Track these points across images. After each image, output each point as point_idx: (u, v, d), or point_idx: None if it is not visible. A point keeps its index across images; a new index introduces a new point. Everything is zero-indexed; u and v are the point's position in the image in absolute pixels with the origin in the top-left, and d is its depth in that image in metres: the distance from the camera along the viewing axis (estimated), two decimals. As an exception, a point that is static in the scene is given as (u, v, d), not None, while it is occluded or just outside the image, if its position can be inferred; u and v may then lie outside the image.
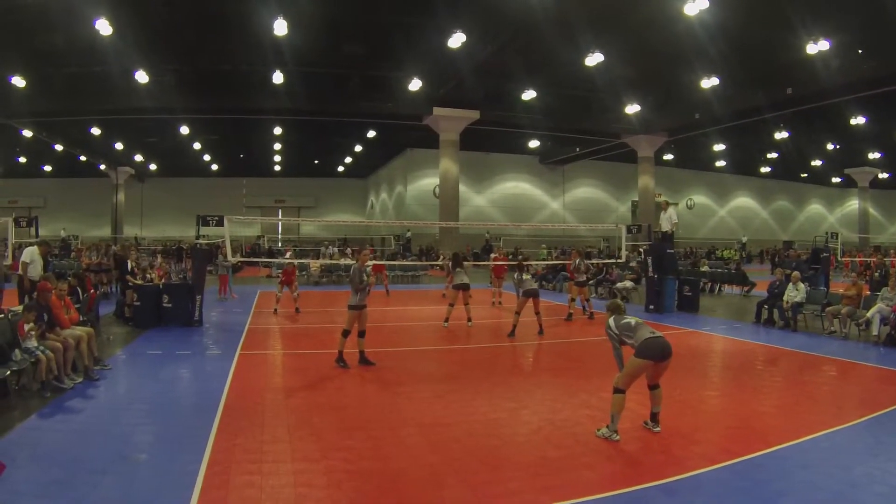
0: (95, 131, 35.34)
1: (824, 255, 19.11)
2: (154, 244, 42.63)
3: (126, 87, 26.64)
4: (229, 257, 16.92)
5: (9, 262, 16.42)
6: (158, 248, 34.34)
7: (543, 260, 30.72)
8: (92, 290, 13.62)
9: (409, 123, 33.95)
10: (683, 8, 18.88)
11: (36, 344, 8.19)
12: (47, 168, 49.15)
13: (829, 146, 42.49)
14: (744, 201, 58.44)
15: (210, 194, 51.05)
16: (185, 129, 36.71)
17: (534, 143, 43.17)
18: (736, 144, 42.80)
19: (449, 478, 5.56)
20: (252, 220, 40.66)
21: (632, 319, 6.89)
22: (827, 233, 33.32)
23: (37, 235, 22.81)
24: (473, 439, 6.54)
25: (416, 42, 23.62)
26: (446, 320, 14.65)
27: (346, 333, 10.05)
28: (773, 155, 47.17)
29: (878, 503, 5.11)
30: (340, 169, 55.15)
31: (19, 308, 9.02)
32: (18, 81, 24.80)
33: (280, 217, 56.62)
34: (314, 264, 27.19)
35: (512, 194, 48.12)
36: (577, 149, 43.10)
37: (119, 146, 41.19)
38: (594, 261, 23.47)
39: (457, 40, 21.66)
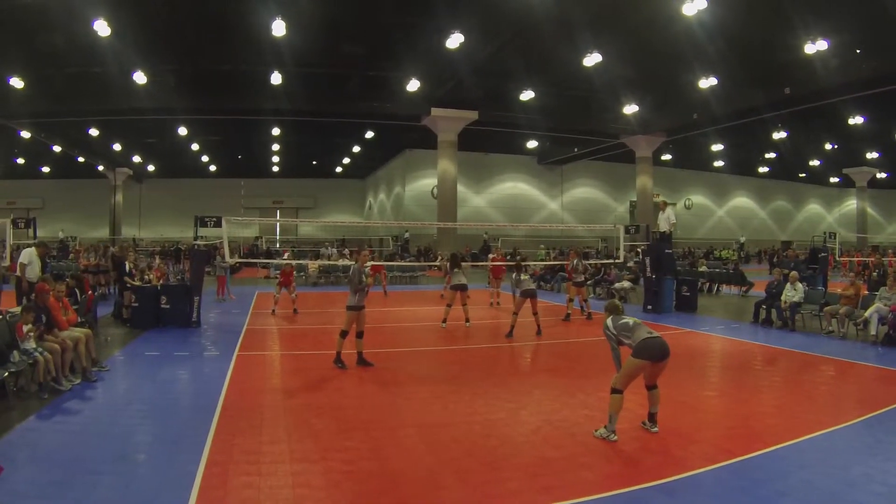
0: (94, 132, 35.28)
1: (822, 254, 19.16)
2: (152, 245, 42.61)
3: (124, 88, 26.57)
4: (227, 258, 16.93)
5: (7, 263, 16.42)
6: (156, 249, 34.35)
7: (542, 260, 30.74)
8: (90, 292, 13.61)
9: (407, 124, 33.89)
10: (682, 8, 18.87)
11: (34, 345, 8.19)
12: (45, 169, 49.01)
13: (828, 146, 42.48)
14: (742, 201, 58.46)
15: (208, 195, 50.94)
16: (183, 130, 36.63)
17: (532, 144, 43.11)
18: (734, 144, 42.78)
19: (447, 478, 5.57)
20: (250, 221, 40.88)
21: (630, 320, 6.90)
22: (825, 232, 33.45)
23: (35, 237, 22.82)
24: (472, 440, 6.54)
25: (414, 42, 23.59)
26: (444, 321, 14.67)
27: (344, 334, 10.06)
28: (772, 155, 47.17)
29: (877, 503, 5.12)
30: (339, 170, 55.07)
31: (17, 309, 9.03)
32: (17, 82, 24.74)
33: (278, 218, 56.58)
34: (312, 265, 27.18)
35: (510, 195, 48.09)
36: (576, 149, 43.05)
37: (117, 147, 41.10)
38: (592, 261, 23.48)
39: (455, 41, 21.63)
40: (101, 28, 19.82)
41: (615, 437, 6.44)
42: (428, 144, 36.64)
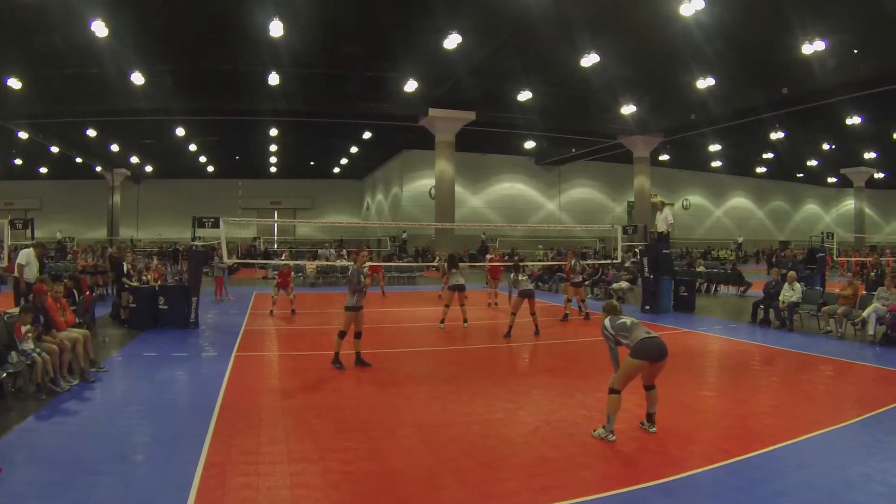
0: (91, 133, 35.23)
1: (820, 254, 19.16)
2: (150, 246, 42.63)
3: (122, 89, 26.54)
4: (225, 259, 16.91)
5: (4, 264, 16.40)
6: (154, 250, 34.30)
7: (540, 261, 30.75)
8: (88, 293, 13.59)
9: (404, 124, 33.90)
10: (679, 8, 18.90)
11: (32, 346, 8.18)
12: (43, 170, 48.98)
13: (825, 146, 42.55)
14: (740, 201, 58.53)
15: (206, 196, 50.97)
16: (181, 131, 36.62)
17: (530, 144, 43.12)
18: (732, 145, 42.83)
19: (446, 478, 5.57)
20: (248, 222, 40.83)
21: (627, 319, 6.91)
22: (823, 233, 33.47)
23: (32, 237, 22.78)
24: (470, 440, 6.55)
25: (412, 43, 23.60)
26: (442, 321, 14.66)
27: (342, 335, 10.06)
28: (769, 155, 47.24)
29: (875, 502, 5.12)
30: (336, 170, 55.10)
31: (15, 310, 9.01)
32: (15, 83, 24.72)
33: (276, 218, 56.55)
34: (310, 266, 27.17)
35: (508, 195, 48.10)
36: (573, 149, 43.06)
37: (115, 148, 41.07)
38: (590, 261, 23.49)
39: (453, 41, 21.63)
40: (99, 29, 19.81)
41: (613, 438, 6.44)
42: (425, 145, 36.65)
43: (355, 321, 10.08)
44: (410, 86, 27.63)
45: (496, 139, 39.66)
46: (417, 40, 23.21)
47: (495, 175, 47.79)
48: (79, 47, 22.01)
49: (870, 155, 45.60)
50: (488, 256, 26.34)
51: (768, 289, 15.53)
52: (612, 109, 32.54)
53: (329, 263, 28.24)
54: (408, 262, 33.58)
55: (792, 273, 15.27)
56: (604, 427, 6.52)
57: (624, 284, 20.79)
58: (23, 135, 33.67)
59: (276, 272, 20.02)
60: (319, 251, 34.56)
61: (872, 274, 20.07)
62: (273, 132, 38.37)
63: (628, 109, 31.89)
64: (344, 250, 35.04)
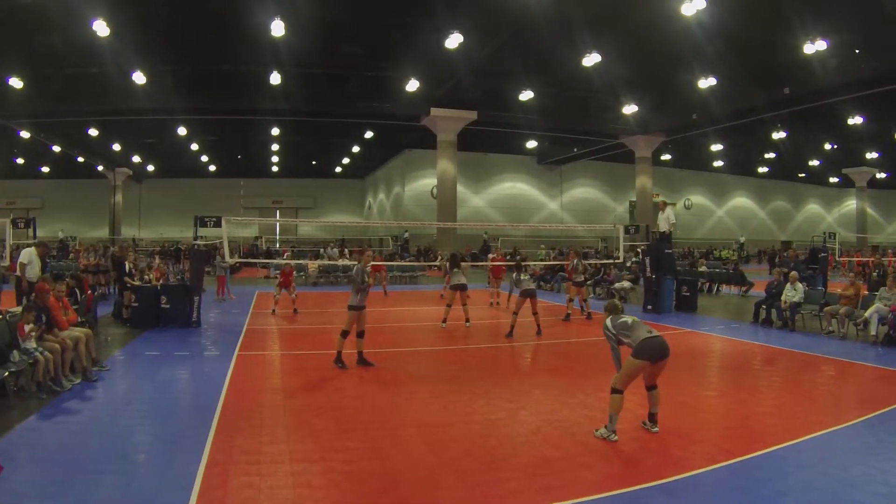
0: (93, 132, 35.28)
1: (822, 254, 19.14)
2: (152, 245, 42.62)
3: (124, 88, 26.56)
4: (227, 258, 16.94)
5: (6, 263, 16.40)
6: (156, 249, 34.33)
7: (542, 260, 30.74)
8: (90, 292, 13.61)
9: (406, 124, 33.92)
10: (680, 8, 18.89)
11: (35, 345, 8.19)
12: (45, 169, 49.04)
13: (827, 146, 42.52)
14: (742, 201, 58.49)
15: (208, 195, 50.96)
16: (182, 130, 36.66)
17: (531, 144, 43.13)
18: (733, 144, 42.82)
19: (447, 478, 5.57)
20: (250, 221, 40.87)
21: (628, 318, 6.91)
22: (825, 233, 33.40)
23: (34, 236, 22.75)
24: (472, 440, 6.55)
25: (413, 42, 23.60)
26: (444, 321, 14.66)
27: (345, 334, 10.06)
28: (771, 155, 47.20)
29: (877, 503, 5.12)
30: (338, 170, 55.13)
31: (17, 309, 9.02)
32: (16, 82, 24.75)
33: (278, 218, 56.59)
34: (312, 265, 27.18)
35: (510, 195, 48.11)
36: (575, 149, 43.06)
37: (117, 147, 41.11)
38: (592, 261, 23.49)
39: (454, 41, 21.64)
40: (101, 28, 19.84)
41: (615, 437, 6.44)
42: (427, 144, 36.66)
43: (358, 320, 10.09)
44: (412, 85, 27.63)
45: (498, 139, 39.68)
46: (418, 40, 23.22)
47: (497, 174, 47.80)
48: (80, 47, 22.03)
49: (871, 155, 45.54)
50: (490, 256, 26.31)
51: (770, 289, 15.51)
52: (614, 109, 32.54)
53: (331, 263, 28.25)
54: (410, 261, 33.58)
55: (794, 273, 15.25)
56: (606, 427, 6.52)
57: (626, 284, 20.78)
58: (24, 134, 33.72)
59: (278, 271, 20.03)
60: (324, 251, 34.55)
61: (874, 274, 20.03)
62: (275, 131, 38.40)
63: (630, 109, 31.87)
64: (346, 250, 35.01)
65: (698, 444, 6.44)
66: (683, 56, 23.59)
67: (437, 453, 6.17)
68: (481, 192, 47.35)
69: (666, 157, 45.77)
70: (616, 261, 19.31)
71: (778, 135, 37.08)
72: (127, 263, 15.36)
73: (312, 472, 5.65)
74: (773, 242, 52.16)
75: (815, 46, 21.45)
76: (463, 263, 16.32)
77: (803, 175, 56.85)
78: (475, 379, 9.48)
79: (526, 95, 28.75)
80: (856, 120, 31.84)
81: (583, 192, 50.75)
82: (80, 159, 42.70)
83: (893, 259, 26.61)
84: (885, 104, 27.30)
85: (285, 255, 33.01)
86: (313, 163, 53.49)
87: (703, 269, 25.97)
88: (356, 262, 10.61)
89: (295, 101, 29.25)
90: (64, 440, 6.38)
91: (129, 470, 5.62)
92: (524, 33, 21.83)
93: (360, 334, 10.20)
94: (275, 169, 53.91)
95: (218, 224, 16.28)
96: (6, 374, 7.51)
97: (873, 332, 12.69)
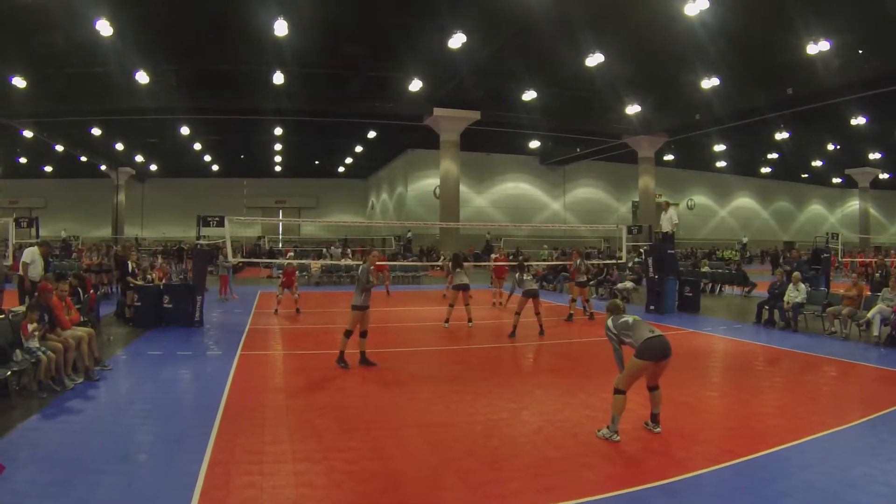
0: (96, 132, 35.29)
1: (825, 255, 19.11)
2: (155, 245, 42.70)
3: (127, 88, 26.60)
4: (230, 258, 16.97)
5: (9, 262, 16.43)
6: (159, 249, 34.41)
7: (544, 260, 30.74)
8: (92, 291, 13.62)
9: (409, 124, 33.88)
10: (684, 8, 18.86)
11: (38, 345, 8.21)
12: (48, 168, 49.11)
13: (830, 146, 42.39)
14: (744, 202, 58.41)
15: (211, 195, 50.97)
16: (185, 130, 36.67)
17: (534, 144, 43.10)
18: (736, 145, 42.72)
19: (449, 478, 5.57)
20: (253, 221, 40.73)
21: (630, 318, 6.91)
22: (827, 233, 33.31)
23: (37, 236, 22.77)
24: (474, 440, 6.54)
25: (416, 42, 23.59)
26: (447, 321, 14.66)
27: (348, 334, 10.07)
28: (774, 155, 47.09)
29: (878, 503, 5.11)
30: (341, 169, 55.12)
31: (20, 308, 9.03)
32: (19, 82, 24.77)
33: (280, 217, 56.62)
34: (314, 265, 27.19)
35: (512, 195, 48.08)
36: (578, 149, 43.02)
37: (120, 147, 41.13)
38: (594, 261, 23.47)
39: (457, 41, 21.63)
40: (103, 28, 19.85)
41: (617, 438, 6.43)
42: (430, 144, 36.65)
43: (361, 320, 10.11)
44: (415, 85, 27.62)
45: (501, 139, 39.66)
46: (421, 40, 23.21)
47: (500, 174, 47.79)
48: (82, 46, 22.05)
49: (874, 155, 45.41)
50: (493, 256, 26.31)
51: (773, 289, 15.50)
52: (617, 109, 32.51)
53: (334, 262, 28.27)
54: (412, 261, 33.58)
55: (797, 273, 15.23)
56: (608, 427, 6.52)
57: (629, 284, 20.77)
58: (27, 133, 33.76)
59: (280, 271, 20.05)
60: (329, 250, 34.57)
61: (877, 275, 20.02)
62: (277, 131, 38.42)
63: (633, 109, 31.84)
64: (349, 250, 35.03)
65: (700, 445, 6.44)
66: (686, 56, 23.57)
67: (439, 453, 6.17)
68: (484, 192, 47.34)
69: (669, 157, 45.69)
70: (619, 261, 19.30)
71: (781, 135, 37.01)
72: (130, 263, 15.39)
73: (315, 472, 5.65)
74: (776, 243, 52.04)
75: (818, 47, 21.40)
76: (465, 263, 16.34)
77: (806, 175, 56.77)
78: (477, 379, 9.48)
79: (529, 95, 28.73)
80: (859, 120, 31.75)
81: (586, 192, 50.72)
82: (83, 159, 42.76)
83: (896, 260, 26.58)
84: (888, 105, 27.23)
85: (288, 254, 32.99)
86: (316, 163, 53.48)
87: (705, 269, 25.94)
88: (359, 262, 10.62)
89: (298, 101, 29.28)
90: (65, 440, 6.39)
91: (131, 470, 5.62)
92: (527, 33, 21.81)
93: (363, 334, 10.21)
94: (278, 169, 53.93)
95: (221, 224, 16.32)
96: (8, 373, 7.52)
97: (876, 333, 12.67)
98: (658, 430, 6.71)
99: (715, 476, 5.63)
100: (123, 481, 5.34)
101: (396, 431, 6.83)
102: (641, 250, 22.58)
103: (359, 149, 45.26)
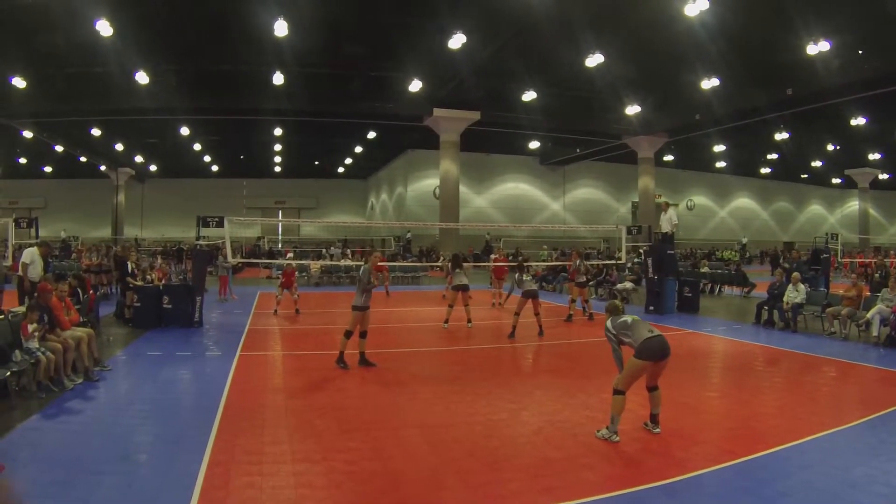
0: (96, 132, 35.28)
1: (824, 255, 19.12)
2: (154, 245, 42.69)
3: (126, 88, 26.59)
4: (229, 258, 16.95)
5: (9, 262, 16.44)
6: (158, 249, 34.39)
7: (544, 261, 30.74)
8: (92, 291, 13.63)
9: (409, 124, 33.87)
10: (684, 9, 18.87)
11: (38, 345, 8.21)
12: (48, 169, 49.09)
13: (830, 147, 42.41)
14: (744, 202, 58.40)
15: (210, 195, 50.99)
16: (185, 130, 36.66)
17: (534, 144, 43.09)
18: (736, 145, 42.72)
19: (449, 479, 5.57)
20: (252, 221, 40.81)
21: (628, 317, 6.91)
22: (827, 234, 33.38)
23: (37, 236, 22.85)
24: (474, 440, 6.54)
25: (416, 43, 23.60)
26: (446, 321, 14.66)
27: (348, 334, 10.07)
28: (774, 156, 47.07)
29: (878, 503, 5.12)
30: (341, 170, 55.09)
31: (19, 309, 9.03)
32: (19, 82, 24.76)
33: (280, 218, 56.62)
34: (314, 265, 27.19)
35: (512, 195, 48.07)
36: (578, 150, 43.01)
37: (119, 147, 41.11)
38: (594, 262, 23.48)
39: (457, 41, 21.63)
40: (103, 28, 19.85)
41: (617, 438, 6.44)
42: (430, 145, 36.64)
43: (362, 321, 10.11)
44: (415, 86, 27.62)
45: (501, 139, 39.65)
46: (421, 40, 23.22)
47: (500, 175, 47.79)
48: (82, 46, 22.06)
49: (874, 156, 45.39)
50: (493, 256, 26.31)
51: (772, 290, 15.50)
52: (617, 110, 32.51)
53: (333, 263, 28.27)
54: (412, 261, 33.58)
55: (796, 274, 15.23)
56: (607, 428, 6.52)
57: (628, 285, 20.77)
58: (27, 134, 33.73)
59: (280, 272, 20.05)
60: (329, 251, 34.56)
61: (876, 275, 20.03)
62: (277, 132, 38.41)
63: (632, 110, 31.83)
64: (348, 250, 35.03)
65: (700, 445, 6.44)
66: (686, 56, 23.58)
67: (439, 454, 6.17)
68: (484, 193, 47.34)
69: (668, 157, 45.69)
70: (618, 261, 19.30)
71: (780, 135, 37.03)
72: (129, 263, 15.39)
73: (314, 473, 5.65)
74: (776, 243, 52.02)
75: (817, 47, 21.41)
76: (465, 264, 16.34)
77: (806, 176, 56.78)
78: (477, 379, 9.48)
79: (529, 96, 28.73)
80: (858, 121, 31.76)
81: (585, 192, 50.71)
82: (83, 159, 42.75)
83: (895, 260, 26.60)
84: (887, 105, 27.25)
85: (287, 255, 33.00)
86: (316, 163, 53.47)
87: (705, 269, 25.95)
88: (359, 263, 10.63)
89: (297, 102, 29.27)
90: (66, 440, 6.39)
91: (131, 470, 5.62)
92: (527, 33, 21.81)
93: (363, 335, 10.21)
94: (277, 169, 53.92)
95: (220, 224, 16.37)
96: (8, 374, 7.52)
97: (875, 334, 12.68)
98: (657, 430, 6.71)
99: (715, 476, 5.63)
100: (123, 481, 5.34)
101: (396, 432, 6.83)
102: (641, 251, 22.59)
103: (358, 149, 45.26)
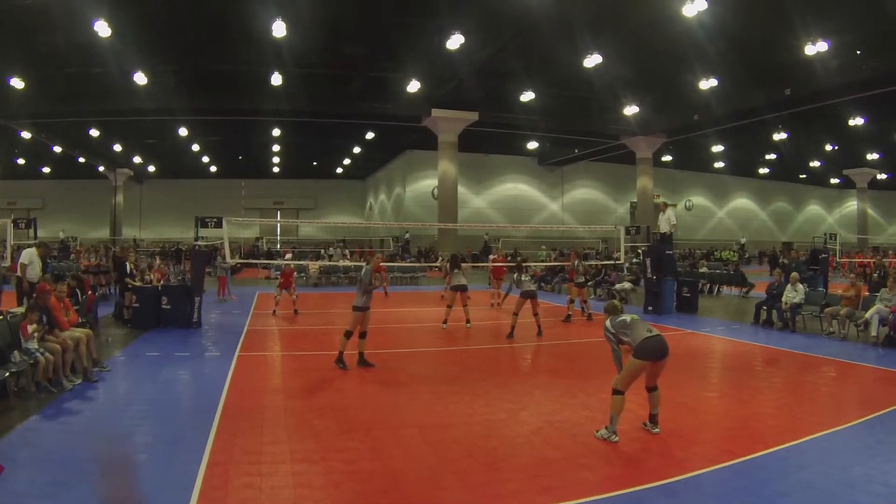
0: (94, 133, 35.23)
1: (823, 255, 19.13)
2: (153, 246, 42.64)
3: (125, 89, 26.58)
4: (228, 259, 16.94)
5: (7, 263, 16.42)
6: (157, 250, 34.32)
7: (542, 261, 30.73)
8: (90, 292, 13.62)
9: (407, 125, 33.89)
10: (682, 9, 18.88)
11: (37, 346, 8.20)
12: (46, 170, 49.05)
13: (828, 147, 42.47)
14: (742, 202, 58.43)
15: (209, 196, 51.04)
16: (183, 131, 36.64)
17: (532, 145, 43.08)
18: (734, 145, 42.74)
19: (448, 479, 5.57)
20: (251, 222, 40.80)
21: (627, 317, 6.92)
22: (826, 234, 33.36)
23: (35, 237, 22.78)
24: (473, 440, 6.55)
25: (415, 43, 23.59)
26: (445, 322, 14.67)
27: (348, 335, 10.08)
28: (772, 156, 47.11)
29: (877, 503, 5.12)
30: (339, 170, 55.09)
31: (18, 310, 9.03)
32: (17, 83, 24.74)
33: (279, 218, 56.59)
34: (313, 266, 27.18)
35: (511, 196, 48.08)
36: (576, 150, 43.01)
37: (118, 148, 41.08)
38: (592, 262, 23.47)
39: (456, 41, 21.62)
40: (102, 29, 19.83)
41: (616, 438, 6.44)
42: (428, 145, 36.65)
43: (362, 321, 10.12)
44: (413, 86, 27.62)
45: (499, 139, 39.65)
46: (420, 40, 23.22)
47: (498, 175, 47.79)
48: (81, 47, 22.03)
49: (872, 156, 45.44)
50: (491, 257, 26.30)
51: (771, 290, 15.51)
52: (615, 110, 32.52)
53: (332, 263, 28.26)
54: (410, 262, 33.58)
55: (795, 274, 15.23)
56: (606, 428, 6.52)
57: (627, 285, 20.78)
58: (26, 134, 33.69)
59: (278, 272, 20.04)
60: (326, 251, 34.53)
61: (875, 275, 20.02)
62: (276, 132, 38.38)
63: (631, 110, 31.85)
64: (347, 251, 35.02)
65: (699, 445, 6.44)
66: (685, 57, 23.59)
67: (438, 454, 6.18)
68: (482, 193, 47.33)
69: (667, 158, 45.71)
70: (617, 262, 19.30)
71: (779, 136, 37.09)
72: (128, 264, 15.37)
73: (313, 473, 5.65)
74: (774, 243, 52.01)
75: (816, 47, 21.42)
76: (463, 264, 16.33)
77: (804, 176, 56.82)
78: (476, 380, 9.49)
79: (527, 96, 28.75)
80: (857, 121, 31.79)
81: (584, 193, 50.71)
82: (81, 160, 42.69)
83: (894, 260, 26.59)
84: (886, 105, 27.28)
85: (286, 255, 32.99)
86: (314, 163, 53.45)
87: (703, 270, 25.95)
88: (358, 263, 10.64)
89: (296, 102, 29.26)
90: (64, 440, 6.39)
91: (131, 470, 5.62)
92: (526, 34, 21.82)
93: (363, 335, 10.22)
94: (276, 170, 53.91)
95: (219, 225, 16.30)
96: (7, 374, 7.52)
97: (874, 334, 12.69)
98: (656, 430, 6.72)
99: (714, 476, 5.64)
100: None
101: (395, 432, 6.83)
102: (639, 251, 22.58)
103: (357, 150, 45.27)
